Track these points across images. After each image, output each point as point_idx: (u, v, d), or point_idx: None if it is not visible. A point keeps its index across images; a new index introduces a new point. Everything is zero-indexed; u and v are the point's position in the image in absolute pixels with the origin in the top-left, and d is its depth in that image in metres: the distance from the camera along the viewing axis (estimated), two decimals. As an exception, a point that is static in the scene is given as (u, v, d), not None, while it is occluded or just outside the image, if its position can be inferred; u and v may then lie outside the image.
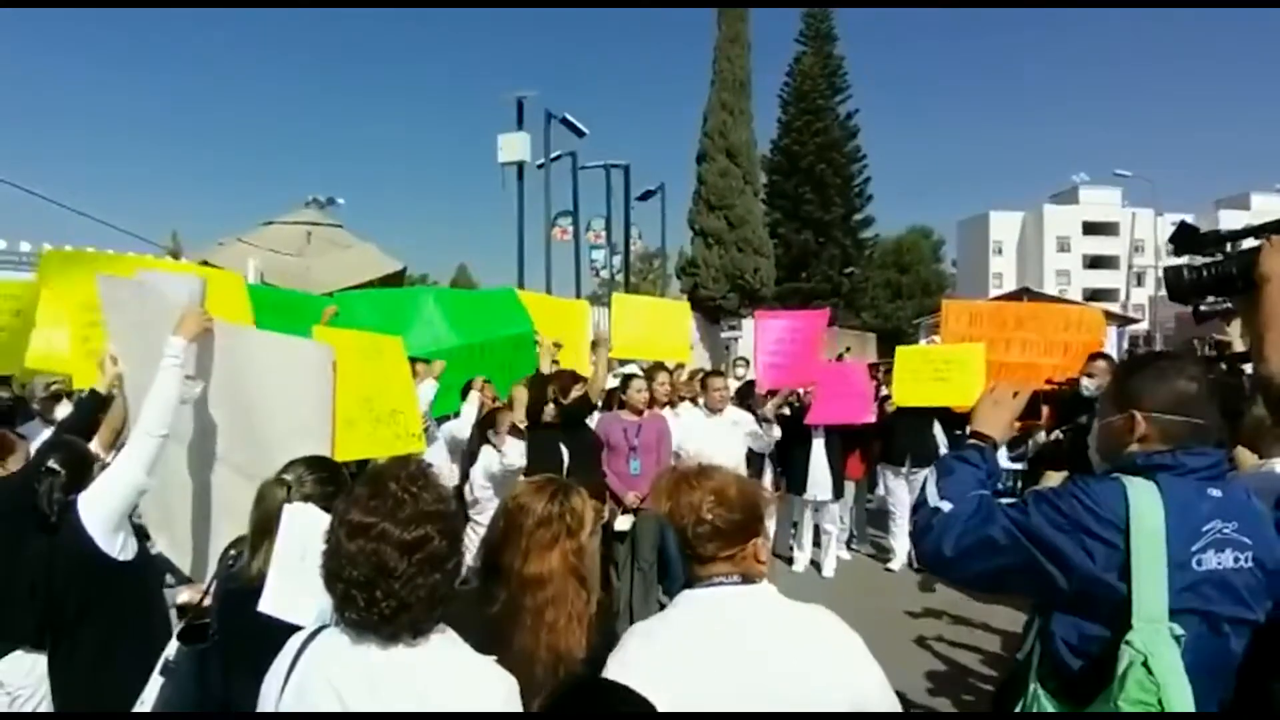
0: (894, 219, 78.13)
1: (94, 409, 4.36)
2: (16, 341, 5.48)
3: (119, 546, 3.13)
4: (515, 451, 5.02)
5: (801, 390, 8.57)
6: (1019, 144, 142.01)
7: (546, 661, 2.14)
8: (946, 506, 2.16)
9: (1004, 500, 2.14)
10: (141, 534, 3.54)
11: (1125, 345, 27.06)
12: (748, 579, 2.03)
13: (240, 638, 2.52)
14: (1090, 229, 77.42)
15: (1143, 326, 41.22)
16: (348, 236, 12.96)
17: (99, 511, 3.07)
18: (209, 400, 3.52)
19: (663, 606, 6.21)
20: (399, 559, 1.71)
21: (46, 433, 5.16)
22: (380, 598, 1.70)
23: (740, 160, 29.62)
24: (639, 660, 1.91)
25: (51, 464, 3.24)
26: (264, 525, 2.56)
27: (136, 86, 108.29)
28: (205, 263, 11.38)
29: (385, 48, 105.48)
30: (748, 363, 12.13)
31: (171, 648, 2.78)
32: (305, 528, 2.29)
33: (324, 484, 2.63)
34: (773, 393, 7.78)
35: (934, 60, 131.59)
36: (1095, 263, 76.40)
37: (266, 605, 2.33)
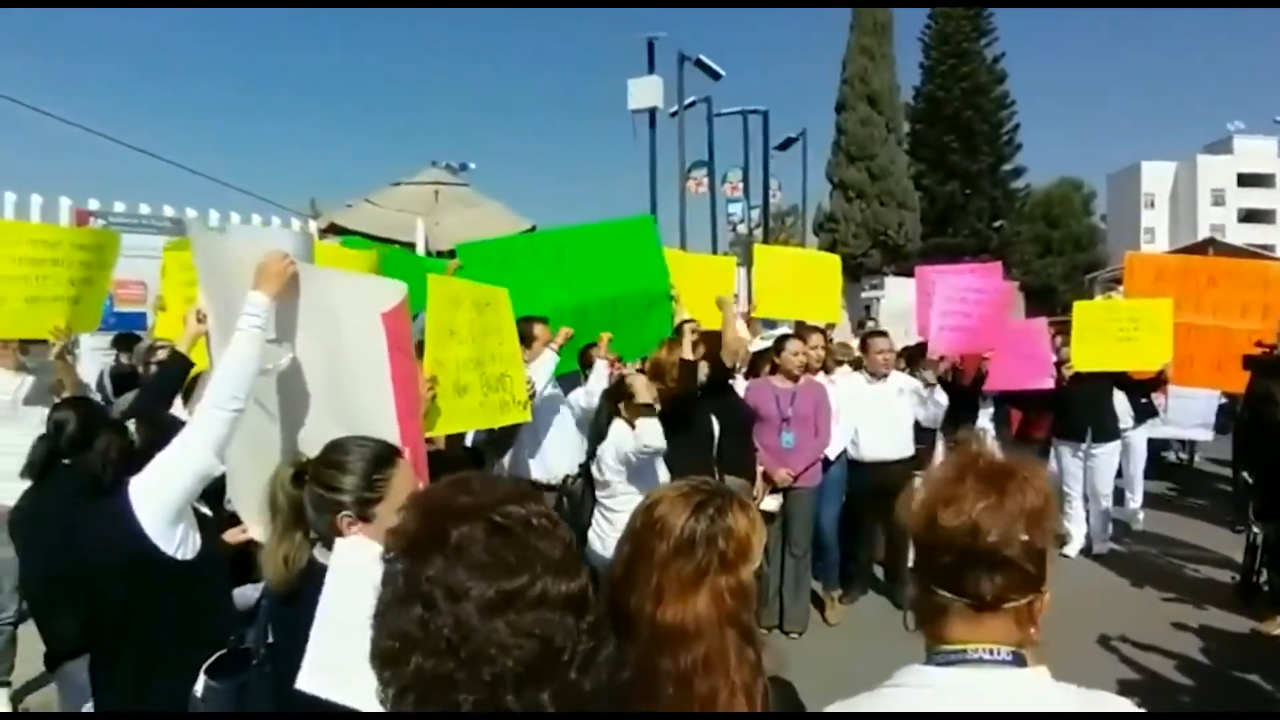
0: (1043, 169, 73.70)
1: (179, 372, 3.93)
2: (93, 296, 5.07)
3: (177, 542, 2.53)
4: (651, 432, 4.32)
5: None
6: (1173, 90, 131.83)
7: None
8: None
9: None
10: (210, 523, 3.00)
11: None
12: (1019, 656, 1.32)
13: (291, 656, 1.98)
14: (1245, 180, 71.89)
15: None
16: (475, 195, 12.67)
17: (154, 499, 2.48)
18: (298, 366, 2.91)
19: (815, 596, 5.50)
20: (572, 627, 1.06)
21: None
22: (548, 700, 1.03)
23: (882, 108, 28.31)
24: None
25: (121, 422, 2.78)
26: (270, 513, 2.16)
27: (275, 60, 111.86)
28: (334, 225, 11.26)
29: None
30: (875, 323, 11.16)
31: (200, 684, 2.20)
32: (361, 570, 1.59)
33: (343, 472, 2.13)
34: (955, 373, 6.86)
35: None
36: (1250, 216, 70.86)
37: (306, 681, 1.67)
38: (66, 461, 3.67)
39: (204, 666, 2.34)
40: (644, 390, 4.49)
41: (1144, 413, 8.17)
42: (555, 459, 5.35)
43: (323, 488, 2.09)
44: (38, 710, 4.82)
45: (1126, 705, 1.36)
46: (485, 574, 1.04)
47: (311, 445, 2.37)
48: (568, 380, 5.71)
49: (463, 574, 1.04)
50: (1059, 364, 7.68)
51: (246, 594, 3.03)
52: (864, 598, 6.61)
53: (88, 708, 3.37)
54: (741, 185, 21.05)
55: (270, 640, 2.30)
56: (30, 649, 4.20)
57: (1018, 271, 41.76)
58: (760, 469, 5.72)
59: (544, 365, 4.98)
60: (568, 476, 5.24)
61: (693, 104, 17.30)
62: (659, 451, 4.34)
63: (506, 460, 5.02)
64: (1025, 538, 1.31)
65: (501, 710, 1.01)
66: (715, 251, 17.40)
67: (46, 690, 4.43)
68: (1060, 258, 48.16)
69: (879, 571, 6.81)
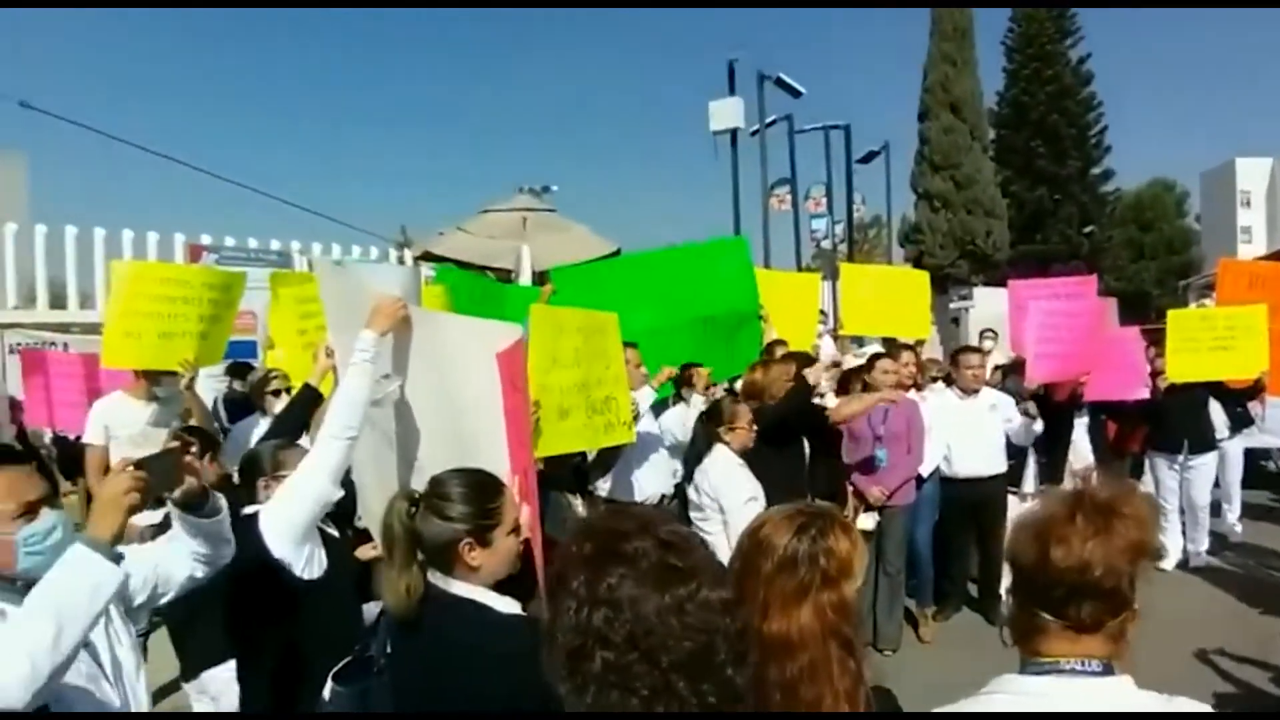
0: (1133, 171, 70.51)
1: (307, 403, 4.20)
2: (219, 332, 5.43)
3: (304, 561, 2.82)
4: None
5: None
6: (1265, 82, 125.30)
7: None
8: None
9: None
10: (337, 544, 3.23)
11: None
12: (1109, 667, 1.45)
13: (404, 670, 2.24)
14: (1342, 174, 67.68)
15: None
16: (561, 219, 12.89)
17: (280, 523, 2.77)
18: (412, 400, 3.12)
19: (908, 614, 5.50)
20: (729, 629, 1.20)
21: (265, 425, 5.19)
22: (710, 690, 1.17)
23: (965, 115, 27.78)
24: None
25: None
26: (388, 543, 2.24)
27: (359, 92, 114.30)
28: (428, 253, 11.59)
29: (586, 21, 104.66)
30: (996, 335, 10.97)
31: (328, 689, 2.41)
32: None
33: (460, 502, 2.24)
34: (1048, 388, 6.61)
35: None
36: (1350, 212, 66.73)
37: None
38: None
39: (331, 673, 2.56)
40: (744, 417, 4.60)
41: (1239, 422, 7.92)
42: (648, 480, 5.47)
43: (442, 519, 2.21)
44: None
45: (1205, 708, 1.45)
46: (661, 580, 1.19)
47: (428, 474, 2.54)
48: (656, 405, 5.86)
49: (641, 580, 1.19)
50: (1154, 375, 7.56)
51: (369, 608, 3.29)
52: (958, 615, 6.57)
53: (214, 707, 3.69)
54: (825, 200, 20.93)
55: (389, 651, 2.49)
56: (159, 658, 4.46)
57: (1110, 277, 40.58)
58: (852, 487, 5.76)
59: (641, 399, 5.11)
60: (663, 496, 5.36)
61: (773, 123, 17.26)
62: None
63: (606, 482, 5.16)
64: (1129, 569, 1.43)
65: (674, 694, 1.16)
66: (799, 267, 17.33)
67: (177, 696, 4.70)
68: (1154, 261, 46.47)
69: (973, 588, 6.75)
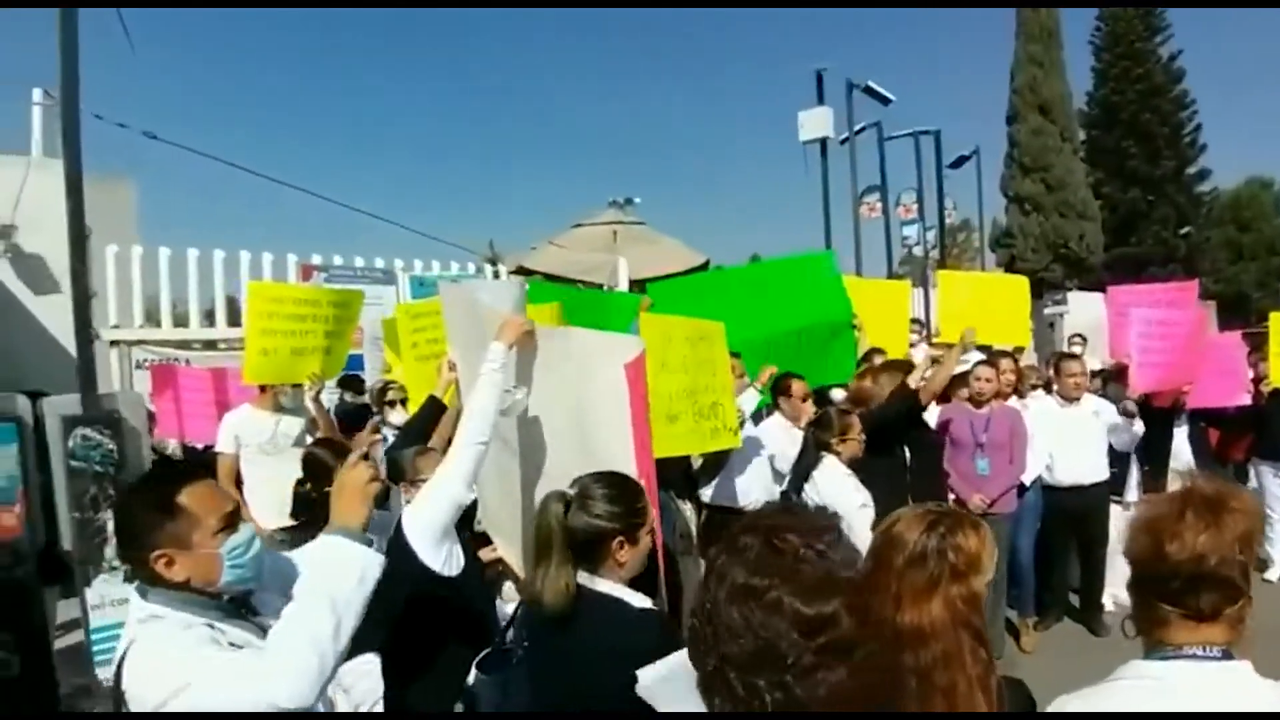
0: (1229, 169, 67.29)
1: (429, 414, 4.42)
2: (341, 347, 5.75)
3: (443, 559, 2.98)
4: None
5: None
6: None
7: None
8: None
9: None
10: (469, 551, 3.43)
11: None
12: (1228, 653, 1.54)
13: (546, 662, 2.38)
14: None
15: None
16: (651, 232, 13.12)
17: (420, 524, 2.93)
18: (537, 410, 3.30)
19: (1009, 623, 5.44)
20: (797, 641, 1.21)
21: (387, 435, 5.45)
22: (765, 688, 1.22)
23: (1055, 116, 27.26)
24: None
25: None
26: (543, 542, 2.35)
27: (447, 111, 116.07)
28: (521, 268, 11.91)
29: (675, 31, 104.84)
30: (1084, 340, 10.77)
31: (472, 676, 2.59)
32: None
33: (612, 503, 2.37)
34: (1148, 397, 6.52)
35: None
36: None
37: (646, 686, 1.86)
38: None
39: (475, 662, 2.74)
40: (856, 428, 4.67)
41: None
42: (751, 485, 5.56)
43: (594, 517, 2.34)
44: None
45: None
46: (744, 573, 1.29)
47: (556, 479, 2.70)
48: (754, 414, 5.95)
49: (730, 566, 1.31)
50: (1256, 380, 7.37)
51: (501, 608, 3.49)
52: (1059, 625, 6.49)
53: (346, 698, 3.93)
54: (915, 207, 20.65)
55: (527, 644, 2.64)
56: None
57: (1208, 280, 39.06)
58: (954, 495, 5.75)
59: (745, 402, 5.21)
60: (768, 503, 5.44)
61: (862, 130, 17.08)
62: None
63: (709, 488, 5.28)
64: (1241, 558, 1.53)
65: (724, 679, 1.26)
66: (889, 274, 17.14)
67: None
68: (1253, 263, 44.44)
69: (1074, 598, 6.66)
